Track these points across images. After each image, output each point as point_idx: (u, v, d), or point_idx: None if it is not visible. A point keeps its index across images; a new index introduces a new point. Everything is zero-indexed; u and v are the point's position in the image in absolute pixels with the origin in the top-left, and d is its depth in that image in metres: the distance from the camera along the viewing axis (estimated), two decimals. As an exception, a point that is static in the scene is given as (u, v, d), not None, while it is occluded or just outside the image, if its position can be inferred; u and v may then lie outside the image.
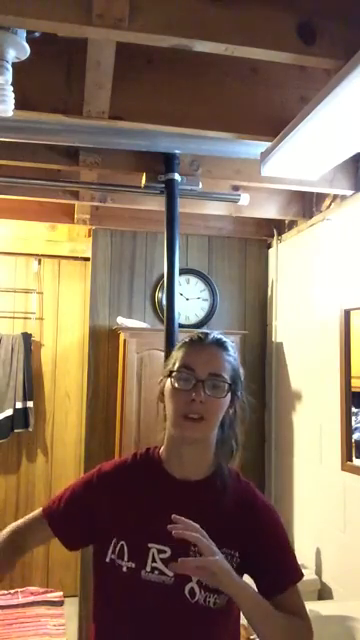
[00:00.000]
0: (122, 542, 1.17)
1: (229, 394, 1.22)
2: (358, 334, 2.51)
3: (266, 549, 1.20)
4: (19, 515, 3.93)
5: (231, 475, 1.25)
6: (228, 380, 1.22)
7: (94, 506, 1.25)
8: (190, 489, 1.22)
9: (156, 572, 1.15)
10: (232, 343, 1.29)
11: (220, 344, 1.25)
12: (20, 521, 1.34)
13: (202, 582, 1.13)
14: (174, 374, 1.22)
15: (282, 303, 3.37)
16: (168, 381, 1.23)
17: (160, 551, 1.16)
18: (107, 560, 1.18)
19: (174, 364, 1.24)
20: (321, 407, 2.80)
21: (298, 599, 1.20)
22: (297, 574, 1.21)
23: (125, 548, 1.17)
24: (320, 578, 2.65)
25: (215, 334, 1.27)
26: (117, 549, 1.17)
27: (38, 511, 1.32)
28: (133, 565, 1.15)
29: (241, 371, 1.28)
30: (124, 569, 1.16)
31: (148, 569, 1.15)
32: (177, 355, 1.25)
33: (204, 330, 1.31)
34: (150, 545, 1.16)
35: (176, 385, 1.20)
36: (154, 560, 1.15)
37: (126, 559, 1.16)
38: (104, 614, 1.22)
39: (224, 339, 1.27)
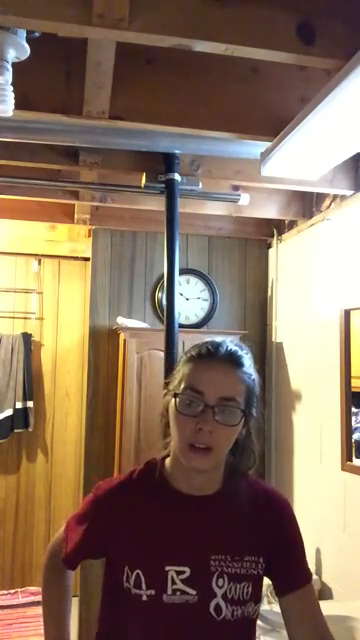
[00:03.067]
0: (137, 571, 1.08)
1: (242, 419, 1.08)
2: (358, 334, 2.51)
3: (284, 549, 1.16)
4: (19, 515, 3.97)
5: (242, 478, 1.17)
6: (242, 405, 1.07)
7: (102, 538, 1.16)
8: (202, 504, 1.13)
9: (178, 593, 1.07)
10: (248, 353, 1.13)
11: (234, 360, 1.09)
12: (54, 588, 1.29)
13: (227, 596, 1.08)
14: (179, 397, 1.07)
15: (282, 303, 3.37)
16: (172, 401, 1.09)
17: (179, 572, 1.08)
18: (123, 587, 1.10)
19: (179, 383, 1.09)
20: (321, 407, 2.80)
21: (311, 601, 1.15)
22: (308, 575, 1.17)
23: (142, 577, 1.08)
24: (320, 578, 2.65)
25: (228, 345, 1.10)
26: (133, 578, 1.09)
27: (60, 565, 1.25)
28: (153, 592, 1.07)
29: (257, 383, 1.13)
30: (144, 597, 1.07)
31: (169, 592, 1.07)
32: (183, 371, 1.10)
33: (215, 339, 1.13)
34: (168, 568, 1.08)
35: (181, 410, 1.06)
36: (174, 582, 1.07)
37: (144, 587, 1.07)
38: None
39: (239, 352, 1.10)
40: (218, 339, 1.13)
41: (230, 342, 1.12)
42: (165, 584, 1.07)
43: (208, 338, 1.15)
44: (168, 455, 1.18)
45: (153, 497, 1.15)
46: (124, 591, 1.10)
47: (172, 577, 1.08)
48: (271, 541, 1.14)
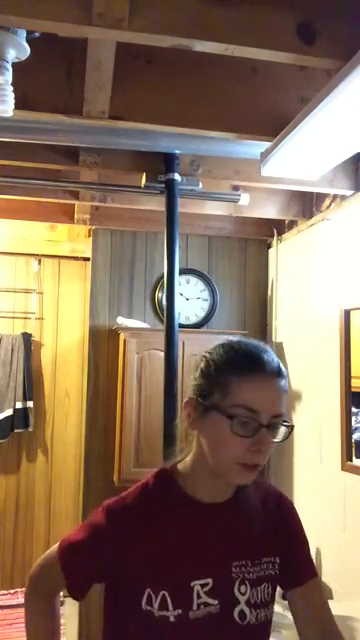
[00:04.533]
0: (163, 592, 1.02)
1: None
2: (358, 334, 2.51)
3: (292, 546, 1.17)
4: (19, 515, 3.97)
5: None
6: (291, 421, 1.07)
7: (117, 563, 1.07)
8: (221, 511, 1.10)
9: (202, 607, 1.04)
10: None
11: (282, 373, 1.04)
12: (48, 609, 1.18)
13: (251, 601, 1.07)
14: (234, 418, 0.99)
15: (282, 303, 3.37)
16: (219, 419, 1.01)
17: (203, 585, 1.04)
18: (142, 610, 1.03)
19: (223, 396, 1.02)
20: (321, 407, 2.80)
21: (318, 594, 1.16)
22: (315, 567, 1.19)
23: (168, 598, 1.02)
24: (320, 578, 2.65)
25: (273, 357, 1.05)
26: (158, 601, 1.02)
27: (51, 590, 1.17)
28: (180, 611, 1.02)
29: None
30: (171, 619, 1.02)
31: (194, 608, 1.03)
32: (228, 384, 1.02)
33: (247, 340, 1.09)
34: (193, 584, 1.04)
35: (237, 431, 1.00)
36: (199, 596, 1.04)
37: (171, 608, 1.02)
38: None
39: (281, 363, 1.06)
40: (249, 342, 1.08)
41: (264, 347, 1.07)
42: (191, 601, 1.03)
43: (214, 338, 1.11)
44: (179, 461, 1.14)
45: (171, 510, 1.09)
46: (143, 613, 1.03)
47: (197, 591, 1.04)
48: (284, 541, 1.15)
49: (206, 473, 1.07)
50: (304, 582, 1.15)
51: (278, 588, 1.16)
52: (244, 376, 1.02)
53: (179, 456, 1.15)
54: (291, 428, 1.04)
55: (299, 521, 1.21)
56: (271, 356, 1.05)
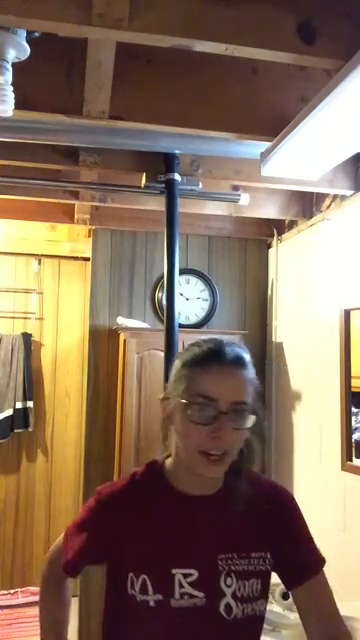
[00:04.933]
0: (143, 576, 1.06)
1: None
2: (358, 334, 2.51)
3: (289, 542, 1.15)
4: (19, 515, 3.97)
5: (243, 474, 1.14)
6: (252, 407, 1.05)
7: (106, 544, 1.12)
8: (205, 503, 1.12)
9: (186, 597, 1.05)
10: (247, 352, 1.11)
11: (241, 361, 1.07)
12: (51, 597, 1.26)
13: (237, 594, 1.07)
14: (191, 406, 1.03)
15: (282, 303, 3.37)
16: (180, 409, 1.06)
17: (186, 575, 1.06)
18: (128, 594, 1.07)
19: (184, 388, 1.05)
20: (321, 407, 2.80)
21: (321, 591, 1.13)
22: (318, 563, 1.15)
23: (148, 582, 1.05)
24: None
25: (233, 348, 1.08)
26: (138, 584, 1.06)
27: (61, 574, 1.20)
28: (160, 597, 1.05)
29: (258, 381, 1.12)
30: (151, 603, 1.05)
31: (177, 596, 1.05)
32: (188, 376, 1.06)
33: (213, 338, 1.11)
34: (174, 571, 1.06)
35: (193, 419, 1.03)
36: (181, 586, 1.05)
37: (151, 592, 1.05)
38: None
39: (243, 354, 1.08)
40: (216, 339, 1.11)
41: (230, 342, 1.10)
42: (172, 588, 1.05)
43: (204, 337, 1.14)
44: (169, 456, 1.16)
45: (157, 499, 1.12)
46: (129, 598, 1.07)
47: (179, 580, 1.06)
48: (276, 535, 1.14)
49: (184, 467, 1.10)
50: (305, 580, 1.12)
51: (281, 586, 1.15)
52: (203, 367, 1.06)
53: (168, 451, 1.18)
54: (255, 414, 1.05)
55: (299, 514, 1.18)
56: (233, 348, 1.08)
